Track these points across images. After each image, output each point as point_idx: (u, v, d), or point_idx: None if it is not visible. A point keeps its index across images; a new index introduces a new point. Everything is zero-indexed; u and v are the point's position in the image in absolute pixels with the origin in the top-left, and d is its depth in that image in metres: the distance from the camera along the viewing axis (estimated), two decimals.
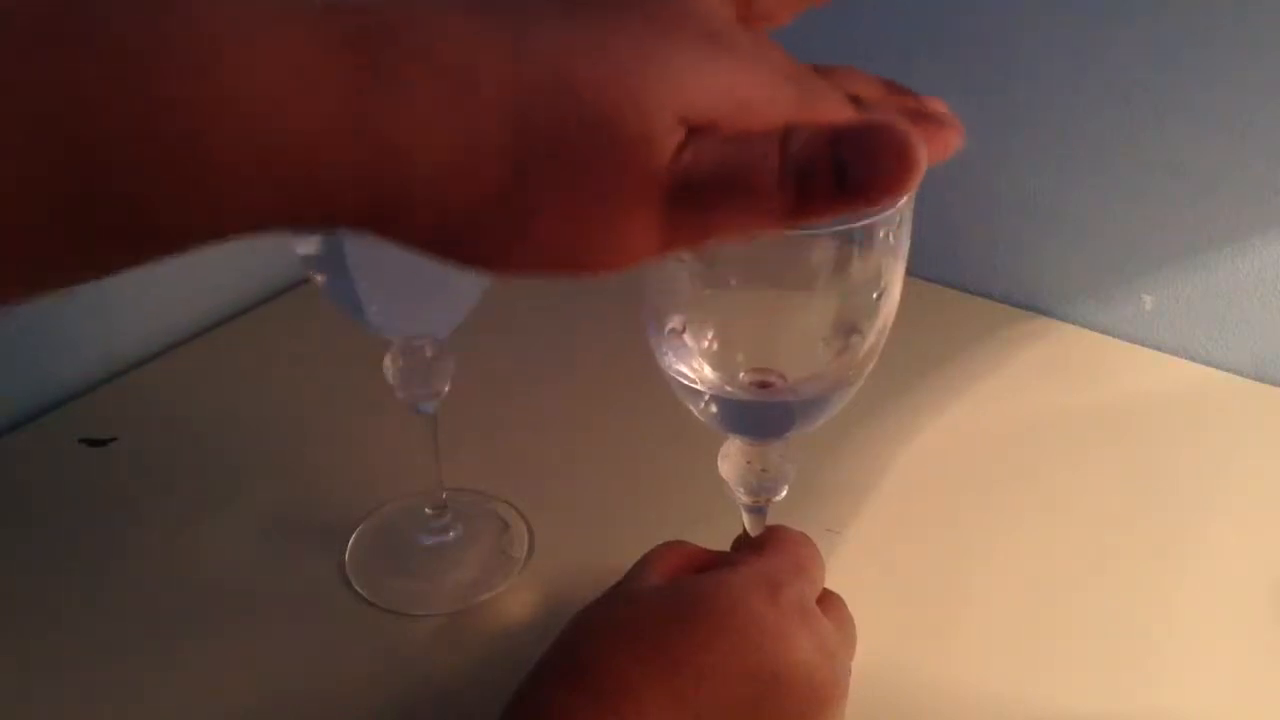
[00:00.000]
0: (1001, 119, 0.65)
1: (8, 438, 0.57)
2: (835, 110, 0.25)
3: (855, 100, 0.26)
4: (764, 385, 0.34)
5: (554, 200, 0.22)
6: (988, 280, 0.70)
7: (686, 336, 0.33)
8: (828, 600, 0.38)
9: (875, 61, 0.30)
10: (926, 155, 0.22)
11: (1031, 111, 0.64)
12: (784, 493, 0.38)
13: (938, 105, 0.29)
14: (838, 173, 0.22)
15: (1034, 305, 0.69)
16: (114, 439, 0.57)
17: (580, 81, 0.22)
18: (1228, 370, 0.63)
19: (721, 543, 0.41)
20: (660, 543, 0.39)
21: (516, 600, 0.48)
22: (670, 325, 0.33)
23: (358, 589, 0.48)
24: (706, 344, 0.33)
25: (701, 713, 0.32)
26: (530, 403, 0.60)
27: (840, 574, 0.40)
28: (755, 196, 0.23)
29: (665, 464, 0.55)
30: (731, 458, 0.37)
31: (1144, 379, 0.63)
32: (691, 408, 0.35)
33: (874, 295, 0.32)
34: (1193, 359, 0.64)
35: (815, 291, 0.32)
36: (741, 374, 0.34)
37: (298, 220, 0.22)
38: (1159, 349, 0.65)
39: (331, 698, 0.43)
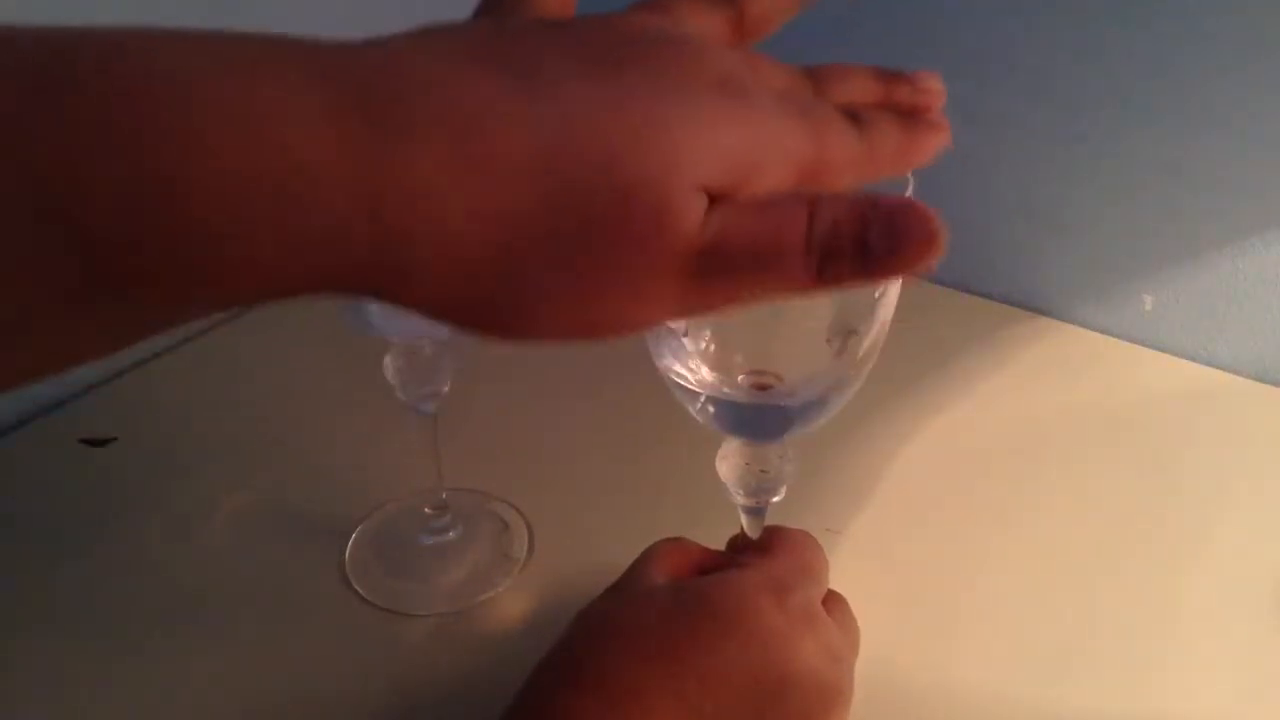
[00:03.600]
0: (1001, 119, 0.65)
1: (8, 438, 0.57)
2: (841, 143, 0.26)
3: (854, 117, 0.26)
4: (762, 387, 0.34)
5: (572, 270, 0.22)
6: (988, 280, 0.70)
7: (685, 338, 0.33)
8: (832, 602, 0.38)
9: (873, 61, 0.30)
10: (945, 235, 0.22)
11: (1031, 111, 0.64)
12: (783, 494, 0.38)
13: (930, 83, 0.29)
14: (861, 250, 0.23)
15: (1034, 305, 0.69)
16: (114, 439, 0.57)
17: (601, 151, 0.22)
18: (1228, 370, 0.63)
19: (721, 543, 0.41)
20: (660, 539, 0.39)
21: (516, 600, 0.48)
22: (668, 326, 0.33)
23: (358, 589, 0.48)
24: (704, 345, 0.33)
25: (706, 715, 0.32)
26: (530, 403, 0.60)
27: (840, 574, 0.40)
28: (783, 267, 0.23)
29: (665, 464, 0.55)
30: (730, 459, 0.37)
31: (1144, 379, 0.63)
32: (689, 409, 0.35)
33: (873, 295, 0.32)
34: (1193, 359, 0.64)
35: None
36: (740, 375, 0.34)
37: (304, 288, 0.21)
38: (1159, 349, 0.65)
39: (331, 698, 0.43)
